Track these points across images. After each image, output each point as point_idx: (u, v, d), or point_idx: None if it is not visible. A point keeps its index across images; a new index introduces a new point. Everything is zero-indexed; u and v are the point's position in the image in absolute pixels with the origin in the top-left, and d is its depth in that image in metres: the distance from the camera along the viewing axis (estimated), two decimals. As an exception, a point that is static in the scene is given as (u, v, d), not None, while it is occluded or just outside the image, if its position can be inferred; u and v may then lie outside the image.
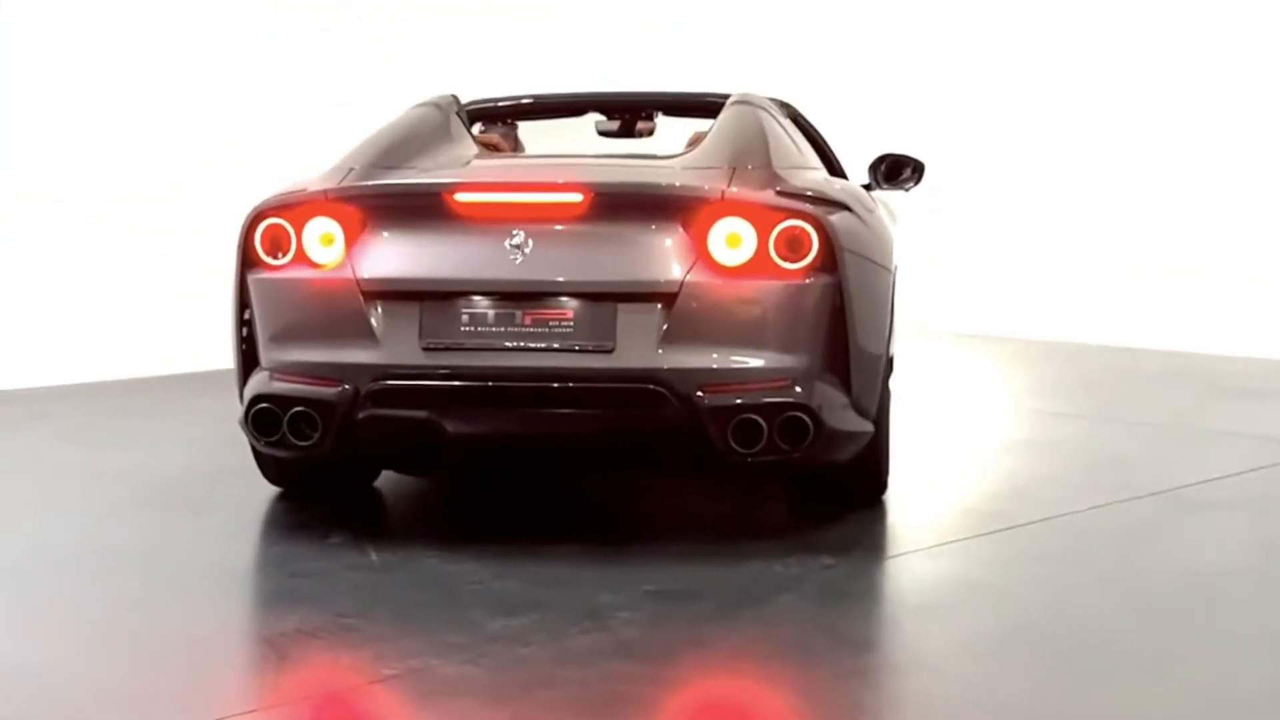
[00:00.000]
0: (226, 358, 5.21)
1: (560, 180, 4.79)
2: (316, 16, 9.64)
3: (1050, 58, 11.98)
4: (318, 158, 9.12)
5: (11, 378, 8.52)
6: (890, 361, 5.32)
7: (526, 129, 6.63)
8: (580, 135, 6.85)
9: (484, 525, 5.31)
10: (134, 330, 8.96)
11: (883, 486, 5.47)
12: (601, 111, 6.72)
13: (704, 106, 6.31)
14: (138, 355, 8.93)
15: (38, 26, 8.53)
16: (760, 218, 4.65)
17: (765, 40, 12.22)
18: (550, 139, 6.59)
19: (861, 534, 5.11)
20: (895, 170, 6.23)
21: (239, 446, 5.55)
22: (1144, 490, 5.80)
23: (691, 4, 11.79)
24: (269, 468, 5.52)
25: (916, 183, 6.28)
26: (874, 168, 6.25)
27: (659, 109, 6.65)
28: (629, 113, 6.68)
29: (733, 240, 4.61)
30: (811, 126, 6.46)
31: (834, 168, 6.32)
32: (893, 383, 5.46)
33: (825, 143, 6.47)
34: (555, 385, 4.54)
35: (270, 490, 5.61)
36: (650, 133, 6.64)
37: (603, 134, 6.73)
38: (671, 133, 6.61)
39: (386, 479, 5.85)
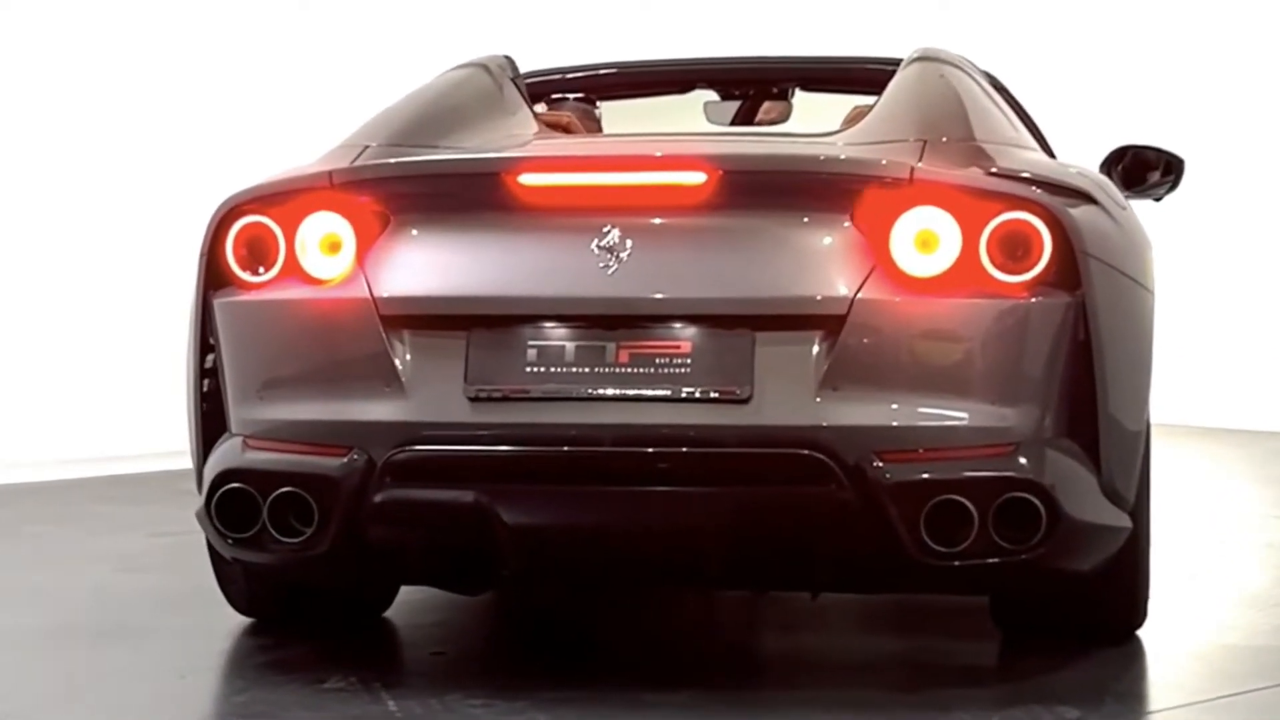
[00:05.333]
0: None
1: (672, 154, 4.32)
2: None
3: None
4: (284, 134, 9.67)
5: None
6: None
7: (607, 113, 6.07)
8: (684, 124, 6.22)
9: (553, 665, 4.82)
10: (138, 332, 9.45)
11: (1140, 613, 4.78)
12: (714, 87, 6.18)
13: (866, 77, 5.76)
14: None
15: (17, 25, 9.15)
16: (966, 207, 4.09)
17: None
18: (642, 127, 5.95)
19: (1110, 679, 4.51)
20: (1139, 170, 5.73)
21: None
22: None
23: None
24: (237, 587, 4.98)
25: (1172, 188, 5.75)
26: (1108, 164, 5.68)
27: (797, 82, 6.10)
28: (754, 88, 6.15)
29: (926, 240, 4.13)
30: (1019, 104, 5.84)
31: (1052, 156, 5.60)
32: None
33: (1038, 127, 5.79)
34: (663, 452, 4.11)
35: (238, 621, 5.11)
36: (784, 118, 6.06)
37: (715, 121, 6.15)
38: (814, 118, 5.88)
39: (405, 603, 5.34)
